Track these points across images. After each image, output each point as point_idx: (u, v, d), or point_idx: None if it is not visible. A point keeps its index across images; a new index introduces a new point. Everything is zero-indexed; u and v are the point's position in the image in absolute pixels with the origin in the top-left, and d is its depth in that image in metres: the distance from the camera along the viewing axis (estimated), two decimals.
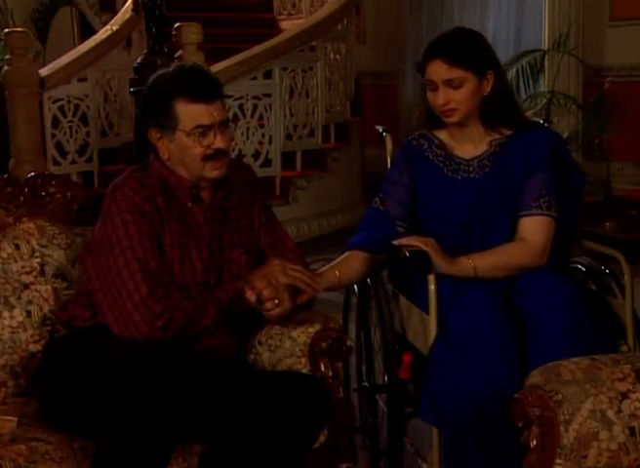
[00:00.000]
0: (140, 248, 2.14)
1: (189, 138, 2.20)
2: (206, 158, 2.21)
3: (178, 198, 2.26)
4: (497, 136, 2.54)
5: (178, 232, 2.22)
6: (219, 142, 2.21)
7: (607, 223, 5.67)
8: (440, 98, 2.45)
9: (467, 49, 2.46)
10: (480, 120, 2.52)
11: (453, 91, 2.44)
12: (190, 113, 2.19)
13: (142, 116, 2.30)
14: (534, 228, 2.45)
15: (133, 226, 2.16)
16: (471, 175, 2.54)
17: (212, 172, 2.23)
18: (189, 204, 2.26)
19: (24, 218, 2.42)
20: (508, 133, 2.53)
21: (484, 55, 2.50)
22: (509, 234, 2.48)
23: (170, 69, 2.29)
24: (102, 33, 6.38)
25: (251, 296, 2.18)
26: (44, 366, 2.22)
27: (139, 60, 5.15)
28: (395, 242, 2.40)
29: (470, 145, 2.55)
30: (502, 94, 2.51)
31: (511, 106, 2.56)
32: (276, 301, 2.19)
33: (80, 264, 2.32)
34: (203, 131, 2.19)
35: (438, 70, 2.44)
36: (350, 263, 2.54)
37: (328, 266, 2.53)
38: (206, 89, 2.22)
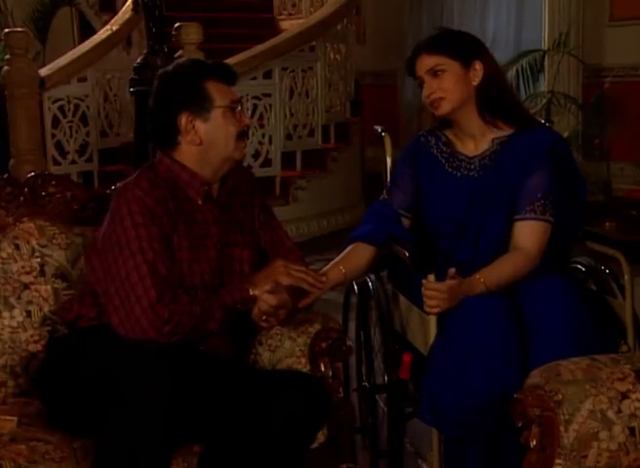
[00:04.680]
0: (151, 250, 2.12)
1: (225, 117, 2.24)
2: (240, 135, 2.26)
3: (187, 197, 2.24)
4: (499, 134, 2.51)
5: (187, 233, 2.21)
6: (245, 119, 2.30)
7: (607, 223, 5.67)
8: (426, 89, 2.47)
9: (445, 37, 2.52)
10: (478, 115, 2.50)
11: (436, 80, 2.45)
12: (222, 91, 2.26)
13: (169, 103, 2.25)
14: (528, 234, 2.42)
15: (143, 228, 2.13)
16: (471, 174, 2.52)
17: (239, 151, 2.29)
18: (199, 202, 2.25)
19: (24, 218, 2.42)
20: (510, 131, 2.51)
21: (465, 43, 2.51)
22: (504, 235, 2.45)
23: (181, 61, 2.38)
24: (102, 33, 6.39)
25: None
26: (46, 365, 2.21)
27: (139, 60, 5.14)
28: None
29: (472, 143, 2.53)
30: (496, 85, 2.49)
31: (509, 99, 2.55)
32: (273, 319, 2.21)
33: (86, 263, 2.30)
34: (234, 107, 2.27)
35: (421, 63, 2.48)
36: (355, 256, 2.53)
37: (332, 263, 2.50)
38: (228, 71, 2.32)
